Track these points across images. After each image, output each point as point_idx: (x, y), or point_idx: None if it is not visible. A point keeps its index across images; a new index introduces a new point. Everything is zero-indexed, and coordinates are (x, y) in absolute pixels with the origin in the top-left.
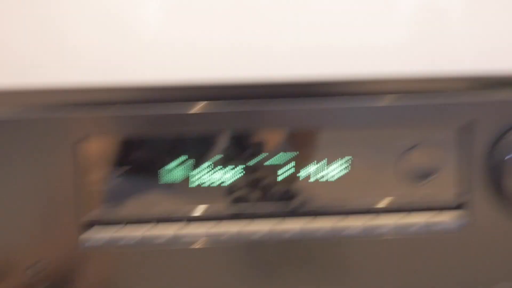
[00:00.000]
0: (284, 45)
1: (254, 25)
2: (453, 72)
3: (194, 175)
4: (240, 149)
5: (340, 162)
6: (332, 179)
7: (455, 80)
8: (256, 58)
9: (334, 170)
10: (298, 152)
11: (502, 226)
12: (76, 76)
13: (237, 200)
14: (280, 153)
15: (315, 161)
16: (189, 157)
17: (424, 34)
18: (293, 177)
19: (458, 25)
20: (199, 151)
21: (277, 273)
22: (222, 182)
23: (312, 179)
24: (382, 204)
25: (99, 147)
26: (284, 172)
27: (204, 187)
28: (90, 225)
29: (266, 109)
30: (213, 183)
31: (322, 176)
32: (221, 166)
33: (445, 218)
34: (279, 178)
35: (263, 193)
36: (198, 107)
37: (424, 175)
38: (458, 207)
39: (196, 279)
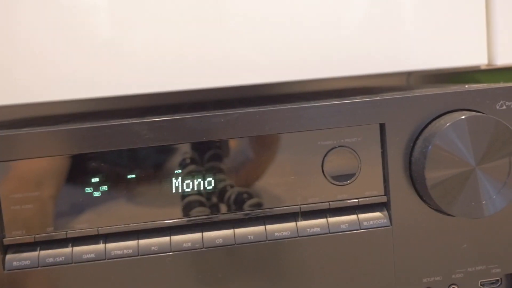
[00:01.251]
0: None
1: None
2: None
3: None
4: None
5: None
6: (261, 182)
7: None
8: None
9: (267, 173)
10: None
11: (426, 222)
12: None
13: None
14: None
15: (239, 167)
16: (104, 177)
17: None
18: (220, 185)
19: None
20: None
21: (214, 278)
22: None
23: (239, 185)
24: (311, 204)
25: (19, 167)
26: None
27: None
28: (13, 246)
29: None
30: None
31: (252, 180)
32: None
33: (373, 216)
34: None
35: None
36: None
37: (348, 174)
38: (383, 204)
39: None
